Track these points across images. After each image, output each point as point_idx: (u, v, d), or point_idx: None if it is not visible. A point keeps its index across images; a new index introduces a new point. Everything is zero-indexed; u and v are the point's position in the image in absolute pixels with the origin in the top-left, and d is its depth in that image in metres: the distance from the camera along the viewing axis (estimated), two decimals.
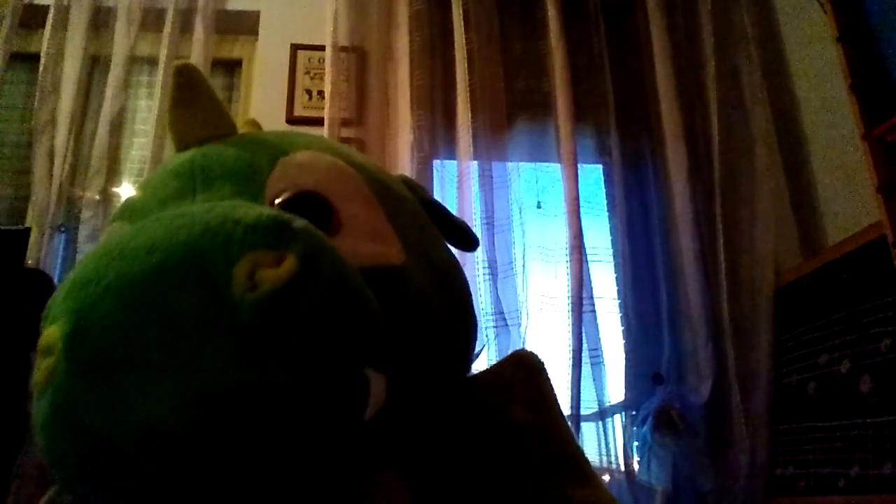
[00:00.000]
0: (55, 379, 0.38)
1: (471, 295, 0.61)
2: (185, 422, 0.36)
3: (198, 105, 0.56)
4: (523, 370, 0.60)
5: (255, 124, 0.67)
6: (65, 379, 0.37)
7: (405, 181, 0.65)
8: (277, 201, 0.49)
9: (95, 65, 1.89)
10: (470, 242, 0.69)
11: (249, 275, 0.38)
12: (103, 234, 0.57)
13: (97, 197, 1.74)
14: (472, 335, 0.60)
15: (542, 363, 0.61)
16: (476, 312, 0.62)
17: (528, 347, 1.62)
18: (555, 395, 0.61)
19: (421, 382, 0.50)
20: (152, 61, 1.89)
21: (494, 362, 0.62)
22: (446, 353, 0.55)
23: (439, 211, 0.66)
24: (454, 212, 0.71)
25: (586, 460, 0.58)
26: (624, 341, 1.72)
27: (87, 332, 0.38)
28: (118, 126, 1.82)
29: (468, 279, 0.63)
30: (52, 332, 0.39)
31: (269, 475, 0.39)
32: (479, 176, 1.75)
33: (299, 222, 0.43)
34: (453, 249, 0.66)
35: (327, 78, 1.81)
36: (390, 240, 0.53)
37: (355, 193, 0.54)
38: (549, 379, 0.61)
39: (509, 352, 1.62)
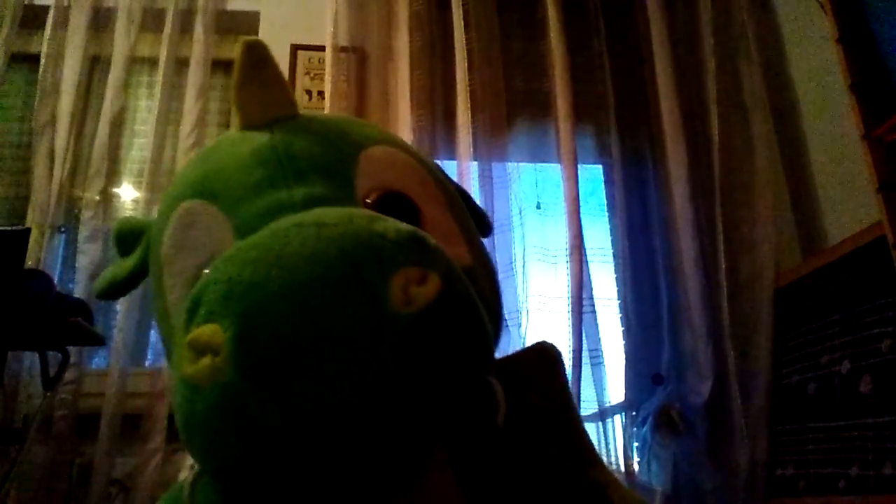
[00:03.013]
0: (221, 377, 0.41)
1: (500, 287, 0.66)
2: (347, 422, 0.40)
3: (265, 84, 0.57)
4: (545, 361, 0.63)
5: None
6: (233, 378, 0.41)
7: (438, 168, 0.69)
8: (370, 199, 0.54)
9: (95, 65, 1.89)
10: (485, 228, 0.74)
11: (403, 290, 0.42)
12: (172, 210, 0.58)
13: (97, 197, 1.74)
14: (501, 326, 0.65)
15: (560, 355, 0.65)
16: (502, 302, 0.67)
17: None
18: (568, 385, 0.66)
19: None
20: (152, 61, 1.89)
21: (514, 352, 0.66)
22: (494, 341, 0.59)
23: (466, 196, 0.70)
24: None
25: (593, 446, 0.62)
26: (624, 341, 1.72)
27: (256, 335, 0.41)
28: (118, 126, 1.83)
29: None
30: (212, 332, 0.42)
31: (410, 470, 0.44)
32: (479, 176, 1.75)
33: (432, 241, 0.47)
34: None
35: (327, 78, 1.81)
36: (460, 241, 0.58)
37: (430, 194, 0.59)
38: (564, 370, 0.65)
39: (509, 350, 1.61)
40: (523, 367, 0.62)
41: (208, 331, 0.42)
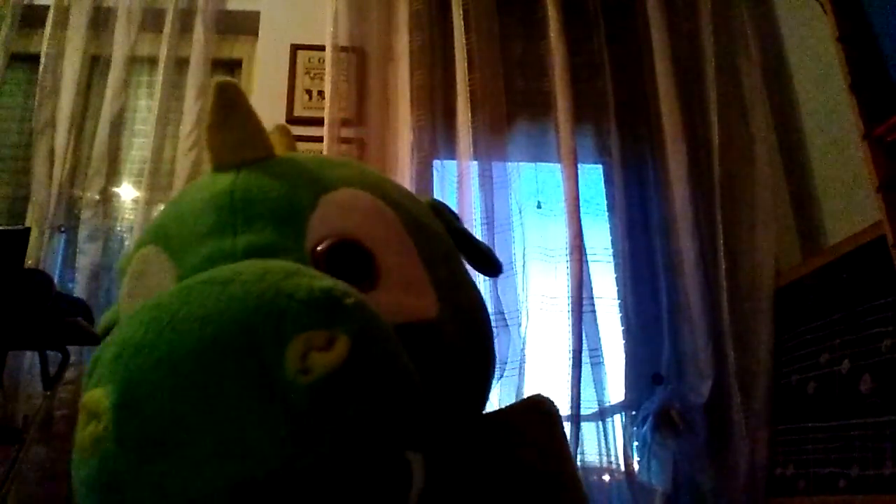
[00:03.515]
0: (102, 447, 0.38)
1: (492, 334, 0.62)
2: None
3: (237, 126, 0.55)
4: (537, 415, 0.60)
5: (285, 131, 0.66)
6: (112, 449, 0.37)
7: (433, 206, 0.65)
8: (319, 248, 0.50)
9: (95, 65, 1.89)
10: (494, 268, 0.69)
11: (302, 356, 0.38)
12: (134, 255, 0.56)
13: (97, 197, 1.74)
14: (492, 374, 0.61)
15: (556, 409, 0.61)
16: (495, 349, 0.62)
17: (529, 347, 1.63)
18: (566, 442, 0.61)
19: (446, 430, 0.50)
20: (152, 61, 1.89)
21: (507, 405, 0.62)
22: (471, 398, 0.56)
23: (465, 237, 0.66)
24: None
25: None
26: (624, 341, 1.72)
27: (136, 404, 0.38)
28: (118, 126, 1.83)
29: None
30: (99, 398, 0.39)
31: None
32: (479, 176, 1.75)
33: (350, 298, 0.42)
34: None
35: (327, 78, 1.81)
36: (425, 290, 0.53)
37: (393, 239, 0.54)
38: (562, 425, 0.61)
39: (509, 350, 1.60)
40: (513, 421, 0.59)
41: (96, 396, 0.39)
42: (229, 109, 0.54)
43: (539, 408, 0.60)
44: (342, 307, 0.41)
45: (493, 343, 0.62)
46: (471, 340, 0.56)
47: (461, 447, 0.54)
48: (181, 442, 0.36)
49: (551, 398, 0.62)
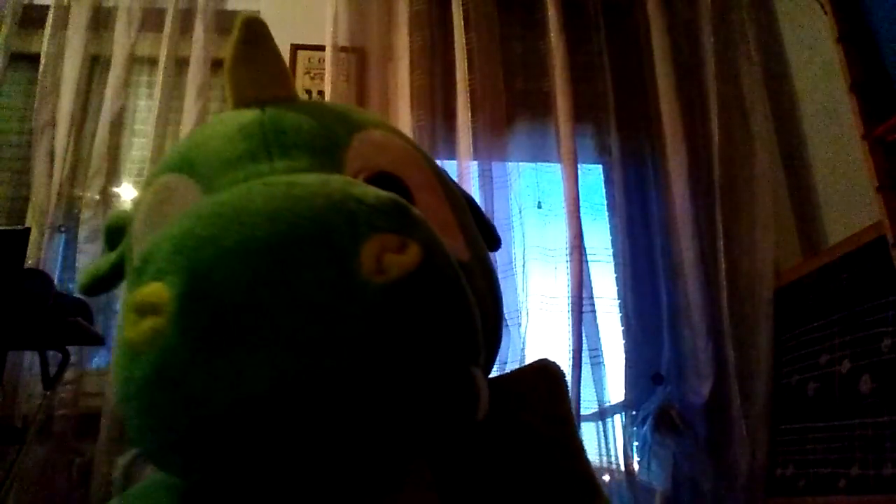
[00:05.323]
0: (162, 341, 0.36)
1: (501, 292, 0.62)
2: (304, 399, 0.35)
3: (262, 62, 0.53)
4: (545, 380, 0.59)
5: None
6: (176, 342, 0.36)
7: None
8: (360, 178, 0.49)
9: (95, 65, 1.89)
10: (494, 242, 0.69)
11: (377, 257, 0.37)
12: (150, 186, 0.54)
13: (97, 197, 1.74)
14: (501, 334, 0.61)
15: (563, 373, 0.61)
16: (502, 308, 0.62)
17: (528, 347, 1.63)
18: (570, 406, 0.61)
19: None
20: (152, 61, 1.89)
21: (517, 367, 0.62)
22: (490, 353, 0.55)
23: (473, 207, 0.66)
24: None
25: (595, 476, 0.58)
26: (624, 341, 1.72)
27: (205, 295, 0.36)
28: (118, 126, 1.82)
29: None
30: (158, 290, 0.37)
31: (369, 465, 0.39)
32: (479, 176, 1.75)
33: (415, 210, 0.42)
34: None
35: (327, 78, 1.81)
36: (457, 233, 0.53)
37: (427, 181, 0.54)
38: (567, 389, 0.61)
39: (509, 350, 1.59)
40: (521, 386, 0.58)
41: (153, 289, 0.37)
42: (254, 45, 0.53)
43: (546, 371, 0.60)
44: (411, 216, 0.41)
45: (502, 301, 0.61)
46: (491, 291, 0.56)
47: None
48: (253, 334, 0.35)
49: (557, 362, 0.61)
